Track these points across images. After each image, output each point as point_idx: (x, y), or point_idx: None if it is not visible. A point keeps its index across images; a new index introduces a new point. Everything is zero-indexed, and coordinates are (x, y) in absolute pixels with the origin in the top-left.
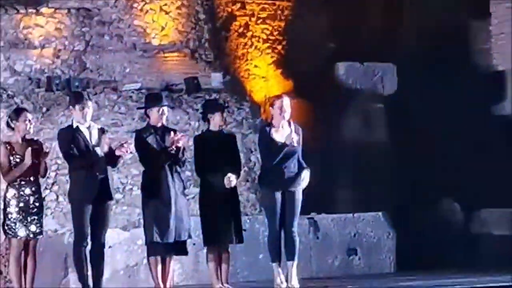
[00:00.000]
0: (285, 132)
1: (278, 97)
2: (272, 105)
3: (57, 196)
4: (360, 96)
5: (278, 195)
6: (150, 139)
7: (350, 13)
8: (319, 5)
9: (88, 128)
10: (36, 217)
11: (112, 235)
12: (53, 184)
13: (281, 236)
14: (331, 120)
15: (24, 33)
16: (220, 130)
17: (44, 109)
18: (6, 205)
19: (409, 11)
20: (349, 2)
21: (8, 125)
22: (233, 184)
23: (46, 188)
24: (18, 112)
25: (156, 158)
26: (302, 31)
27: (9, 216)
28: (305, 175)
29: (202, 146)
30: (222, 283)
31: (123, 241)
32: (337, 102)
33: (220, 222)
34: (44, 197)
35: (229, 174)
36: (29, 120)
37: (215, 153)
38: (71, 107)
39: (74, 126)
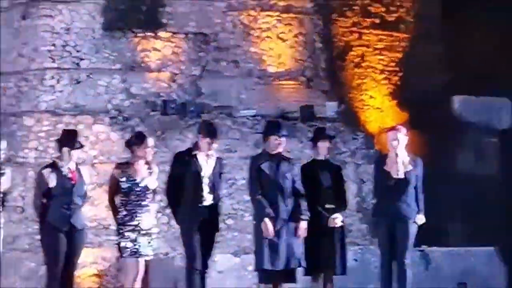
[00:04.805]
0: (399, 163)
1: (394, 128)
2: (387, 136)
3: (169, 219)
4: (474, 130)
5: (391, 226)
6: (265, 166)
7: (467, 47)
8: (436, 38)
9: (207, 155)
10: (148, 240)
11: (222, 261)
12: (165, 207)
13: (393, 267)
14: (444, 152)
15: (141, 56)
16: (327, 159)
17: (159, 133)
18: (119, 227)
19: None
20: (466, 36)
21: (127, 146)
22: (338, 224)
23: (158, 211)
24: (140, 139)
25: (269, 185)
26: (418, 63)
27: (123, 238)
28: (419, 219)
29: (307, 175)
30: None
31: (234, 266)
32: (451, 135)
33: (325, 252)
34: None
35: (336, 215)
36: (150, 147)
37: (320, 182)
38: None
39: (194, 152)
